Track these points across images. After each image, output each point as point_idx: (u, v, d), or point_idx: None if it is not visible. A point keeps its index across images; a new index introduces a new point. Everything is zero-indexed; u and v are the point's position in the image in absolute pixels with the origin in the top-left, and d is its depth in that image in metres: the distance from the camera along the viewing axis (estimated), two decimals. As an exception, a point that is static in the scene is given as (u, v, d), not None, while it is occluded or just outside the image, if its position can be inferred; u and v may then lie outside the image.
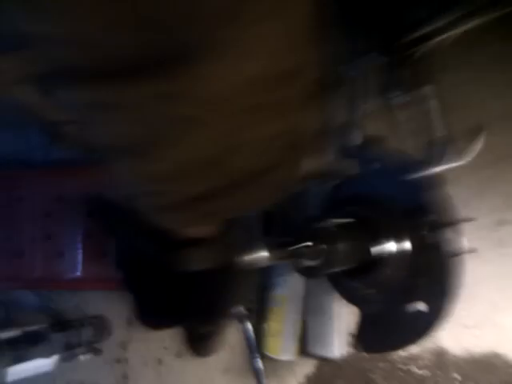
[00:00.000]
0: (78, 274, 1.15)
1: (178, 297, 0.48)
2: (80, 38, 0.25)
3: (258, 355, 1.05)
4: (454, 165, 0.87)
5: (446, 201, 0.74)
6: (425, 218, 0.76)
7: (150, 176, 0.35)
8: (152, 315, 0.52)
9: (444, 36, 0.83)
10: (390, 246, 0.77)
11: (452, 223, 0.74)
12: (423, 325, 0.77)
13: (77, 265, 1.15)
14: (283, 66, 0.30)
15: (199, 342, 0.59)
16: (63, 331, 1.14)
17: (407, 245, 0.78)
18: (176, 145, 0.31)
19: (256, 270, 0.58)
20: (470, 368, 0.90)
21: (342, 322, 0.96)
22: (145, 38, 0.25)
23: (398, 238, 0.78)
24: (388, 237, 0.77)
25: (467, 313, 0.88)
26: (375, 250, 0.77)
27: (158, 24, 0.24)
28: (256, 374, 1.05)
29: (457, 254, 0.74)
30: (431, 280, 0.76)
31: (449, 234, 0.75)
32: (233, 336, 1.05)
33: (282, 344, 1.00)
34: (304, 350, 0.99)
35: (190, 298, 0.49)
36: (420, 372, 0.93)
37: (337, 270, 0.77)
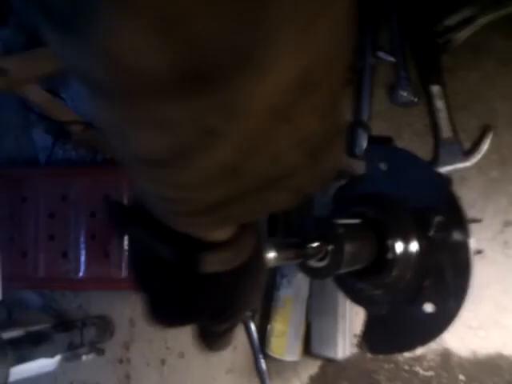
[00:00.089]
0: (81, 274, 1.14)
1: (193, 297, 0.48)
2: (118, 61, 0.25)
3: (261, 355, 1.03)
4: (460, 165, 0.85)
5: (455, 201, 0.72)
6: (433, 218, 0.74)
7: (172, 184, 0.35)
8: (165, 313, 0.52)
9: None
10: (398, 247, 0.75)
11: (461, 224, 0.72)
12: (431, 326, 0.76)
13: (80, 265, 1.14)
14: (314, 75, 0.30)
15: (212, 339, 0.59)
16: (66, 331, 1.13)
17: (415, 245, 0.76)
18: (201, 156, 0.31)
19: (266, 271, 0.56)
20: (474, 369, 0.88)
21: (346, 323, 0.94)
22: (183, 59, 0.25)
23: (406, 239, 0.76)
24: (396, 237, 0.75)
25: (472, 314, 0.87)
26: (383, 250, 0.75)
27: (197, 46, 0.24)
28: (259, 374, 1.04)
29: (466, 254, 0.72)
30: (439, 281, 0.75)
31: (457, 234, 0.73)
32: (236, 336, 1.04)
33: (285, 344, 0.98)
34: (308, 351, 0.98)
35: (205, 298, 0.49)
36: (425, 373, 0.91)
37: (344, 271, 0.75)
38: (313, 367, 1.00)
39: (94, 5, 0.23)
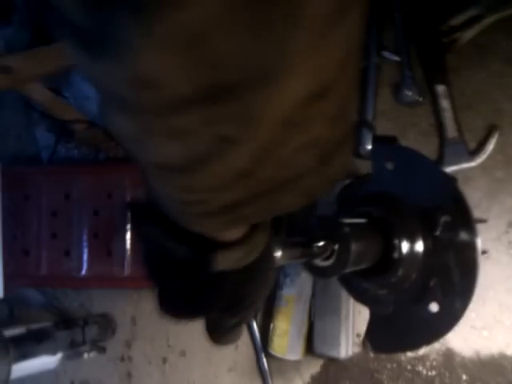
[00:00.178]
0: (84, 272, 1.12)
1: (204, 293, 0.50)
2: (143, 79, 0.26)
3: (263, 354, 1.01)
4: (465, 165, 0.83)
5: (462, 200, 0.70)
6: (439, 217, 0.72)
7: (187, 188, 0.36)
8: (177, 307, 0.53)
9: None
10: (404, 247, 0.74)
11: (468, 223, 0.70)
12: (436, 326, 0.74)
13: (82, 263, 1.12)
14: (327, 85, 0.31)
15: (221, 332, 0.59)
16: (68, 329, 1.11)
17: (421, 245, 0.74)
18: (215, 161, 0.32)
19: (275, 269, 0.57)
20: (477, 369, 0.86)
21: (349, 323, 0.92)
22: (205, 77, 0.26)
23: (412, 238, 0.74)
24: (402, 237, 0.74)
25: (476, 314, 0.85)
26: (389, 250, 0.73)
27: (219, 65, 0.26)
28: (261, 373, 1.02)
29: (472, 254, 0.70)
30: (445, 281, 0.73)
31: (464, 234, 0.71)
32: (239, 337, 1.01)
33: (288, 344, 0.96)
34: (311, 350, 0.96)
35: (216, 294, 0.50)
36: (427, 373, 0.89)
37: (350, 270, 0.73)
38: (315, 366, 0.98)
39: (124, 31, 0.24)
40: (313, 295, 0.95)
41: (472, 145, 0.85)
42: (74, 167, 1.18)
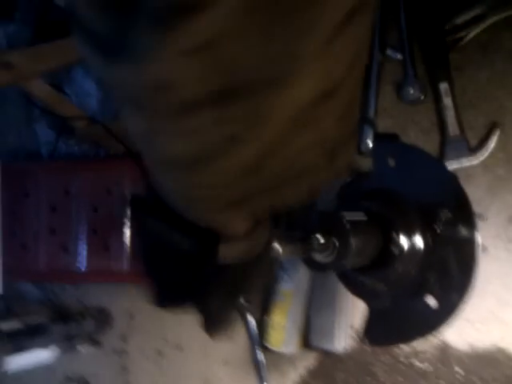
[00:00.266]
0: (82, 268, 1.10)
1: (205, 283, 0.50)
2: (159, 83, 0.27)
3: (259, 348, 1.00)
4: (466, 163, 0.83)
5: (462, 196, 0.70)
6: (440, 213, 0.71)
7: (196, 185, 0.36)
8: (174, 296, 0.54)
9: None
10: (404, 242, 0.73)
11: (468, 219, 0.70)
12: (433, 319, 0.73)
13: (81, 259, 1.10)
14: (334, 85, 0.31)
15: (216, 323, 0.59)
16: (64, 323, 1.10)
17: (420, 241, 0.73)
18: (222, 159, 0.33)
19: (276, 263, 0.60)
20: (472, 362, 0.85)
21: (345, 316, 0.91)
22: (219, 82, 0.27)
23: (411, 234, 0.73)
24: (402, 232, 0.73)
25: (471, 308, 0.83)
26: (389, 245, 0.73)
27: (232, 70, 0.26)
28: (257, 366, 1.00)
29: (472, 249, 0.70)
30: (443, 275, 0.72)
31: (464, 230, 0.71)
32: (234, 328, 1.00)
33: (284, 337, 0.95)
34: (306, 343, 0.94)
35: (216, 285, 0.51)
36: (422, 366, 0.88)
37: (349, 265, 0.72)
38: (310, 359, 0.97)
39: (142, 37, 0.24)
40: (310, 290, 0.94)
41: (473, 142, 0.84)
42: (74, 164, 1.16)
